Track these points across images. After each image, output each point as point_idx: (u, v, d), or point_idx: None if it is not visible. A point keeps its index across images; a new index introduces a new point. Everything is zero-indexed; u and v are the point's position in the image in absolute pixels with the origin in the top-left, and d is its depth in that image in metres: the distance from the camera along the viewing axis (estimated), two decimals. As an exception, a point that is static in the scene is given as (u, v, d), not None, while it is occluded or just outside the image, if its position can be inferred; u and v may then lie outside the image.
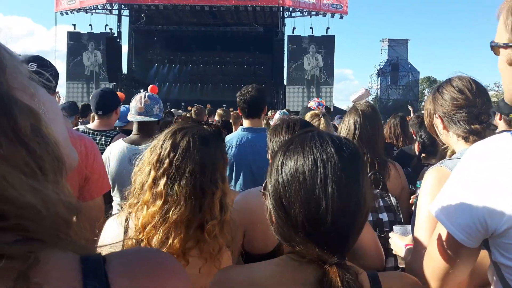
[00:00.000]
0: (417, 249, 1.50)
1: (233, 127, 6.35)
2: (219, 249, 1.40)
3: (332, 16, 27.26)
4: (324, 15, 27.30)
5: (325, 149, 0.99)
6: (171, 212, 1.34)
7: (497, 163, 1.01)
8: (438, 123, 1.85)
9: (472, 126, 1.73)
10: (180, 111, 11.31)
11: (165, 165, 1.37)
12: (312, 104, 6.44)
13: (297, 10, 27.69)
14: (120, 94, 5.41)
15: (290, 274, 1.00)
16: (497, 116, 4.07)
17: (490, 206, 1.00)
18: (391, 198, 2.39)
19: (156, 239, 1.34)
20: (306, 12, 27.65)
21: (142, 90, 4.02)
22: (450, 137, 1.81)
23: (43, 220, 0.52)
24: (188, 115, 8.56)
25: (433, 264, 1.19)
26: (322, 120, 3.36)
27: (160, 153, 1.40)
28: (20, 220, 0.50)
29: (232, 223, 1.48)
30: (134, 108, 3.11)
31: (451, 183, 1.13)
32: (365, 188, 1.01)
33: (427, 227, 1.48)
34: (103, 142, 3.47)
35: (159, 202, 1.35)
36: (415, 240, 1.54)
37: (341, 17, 27.44)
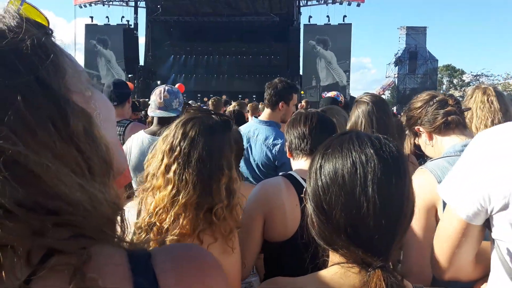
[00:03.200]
0: (407, 248, 1.64)
1: (250, 118, 6.41)
2: (230, 230, 1.50)
3: (349, 4, 26.83)
4: (341, 3, 26.89)
5: (364, 151, 0.96)
6: (180, 196, 1.44)
7: (499, 150, 1.08)
8: (422, 137, 1.94)
9: (445, 109, 1.82)
10: (198, 102, 11.42)
11: (175, 153, 1.48)
12: (329, 95, 6.43)
13: (313, -2, 27.38)
14: (129, 84, 5.63)
15: (337, 282, 0.99)
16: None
17: (491, 187, 1.07)
18: None
19: (168, 221, 1.43)
20: (323, 0, 27.31)
21: (159, 82, 4.12)
22: (437, 143, 1.87)
23: (91, 217, 0.54)
24: (205, 107, 8.67)
25: (441, 244, 1.26)
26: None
27: (172, 142, 1.51)
28: (71, 216, 0.52)
29: (240, 209, 1.58)
30: (154, 103, 3.16)
31: (458, 166, 1.20)
32: (408, 188, 0.98)
33: (414, 229, 1.59)
34: (118, 132, 3.57)
35: (169, 187, 1.45)
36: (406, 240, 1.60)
37: (358, 5, 27.00)
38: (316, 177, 1.01)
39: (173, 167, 1.46)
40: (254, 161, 3.26)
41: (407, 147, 2.07)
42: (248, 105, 6.95)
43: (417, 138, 1.98)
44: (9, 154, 0.48)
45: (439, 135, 1.86)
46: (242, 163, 3.25)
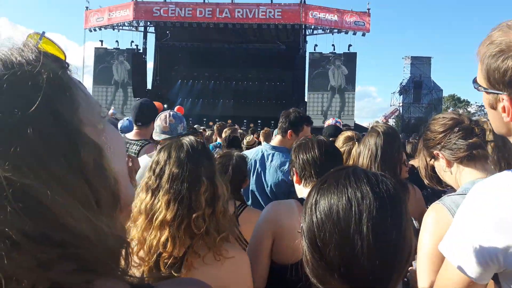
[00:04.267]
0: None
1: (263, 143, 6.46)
2: (214, 240, 1.49)
3: (354, 34, 27.26)
4: (346, 33, 27.33)
5: (360, 187, 0.94)
6: (154, 219, 1.48)
7: (502, 201, 1.04)
8: (439, 164, 1.80)
9: (470, 141, 1.68)
10: (202, 127, 11.49)
11: (150, 182, 1.55)
12: (329, 122, 6.45)
13: (319, 27, 27.86)
14: (158, 104, 5.63)
15: None
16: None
17: (502, 244, 1.02)
18: (414, 221, 2.37)
19: (147, 244, 1.47)
20: (328, 30, 27.77)
21: (165, 106, 4.17)
22: (455, 173, 1.75)
23: (96, 250, 0.54)
24: (209, 131, 8.71)
25: None
26: (356, 145, 3.30)
27: (149, 175, 1.58)
28: (76, 249, 0.52)
29: (230, 216, 1.61)
30: (159, 127, 3.21)
31: (460, 222, 1.15)
32: (405, 227, 0.94)
33: (427, 268, 1.51)
34: (133, 151, 3.64)
35: (143, 216, 1.51)
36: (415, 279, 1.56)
37: (363, 35, 27.43)
38: (311, 213, 0.98)
39: (147, 198, 1.52)
40: (267, 186, 3.31)
41: (422, 170, 1.96)
42: (262, 131, 7.01)
43: (433, 160, 1.85)
44: (18, 185, 0.49)
45: (460, 164, 1.74)
46: (254, 187, 3.28)
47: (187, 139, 1.63)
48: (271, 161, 3.37)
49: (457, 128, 1.72)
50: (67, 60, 0.66)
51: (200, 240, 1.47)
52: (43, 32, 0.78)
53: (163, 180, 1.51)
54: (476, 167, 1.71)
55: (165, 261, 1.45)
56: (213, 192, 1.52)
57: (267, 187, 3.30)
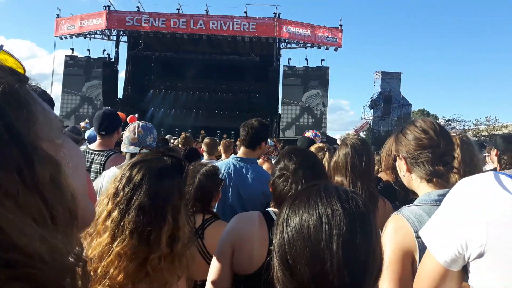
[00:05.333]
0: None
1: (224, 155, 6.37)
2: (166, 283, 1.42)
3: (327, 49, 27.89)
4: (319, 47, 27.92)
5: (330, 204, 0.95)
6: (115, 244, 1.38)
7: (475, 200, 1.15)
8: (401, 165, 1.82)
9: (436, 168, 1.70)
10: (174, 137, 11.35)
11: (118, 198, 1.43)
12: (309, 134, 6.52)
13: (292, 41, 28.33)
14: (121, 114, 5.52)
15: None
16: (493, 152, 4.13)
17: (467, 236, 1.14)
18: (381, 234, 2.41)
19: (100, 271, 1.37)
20: (302, 44, 28.28)
21: (136, 115, 4.12)
22: (412, 180, 1.79)
23: (49, 270, 0.52)
24: (175, 142, 8.53)
25: (421, 285, 1.31)
26: (327, 154, 3.42)
27: (118, 186, 1.46)
28: (28, 269, 0.50)
29: (190, 257, 1.51)
30: (127, 139, 3.10)
31: (438, 214, 1.27)
32: (375, 243, 0.96)
33: (388, 276, 1.54)
34: (99, 161, 3.55)
35: (106, 234, 1.40)
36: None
37: (336, 50, 28.07)
38: (282, 230, 0.98)
39: (114, 214, 1.42)
40: (244, 198, 3.25)
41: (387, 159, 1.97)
42: (222, 142, 6.91)
43: (396, 156, 1.85)
44: None
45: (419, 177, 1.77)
46: (233, 202, 3.25)
47: (168, 163, 1.52)
48: (247, 174, 3.33)
49: (428, 151, 1.72)
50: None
51: (147, 279, 1.41)
52: (1, 45, 0.76)
53: (132, 205, 1.41)
54: (433, 183, 1.75)
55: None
56: (174, 232, 1.44)
57: (244, 199, 3.25)
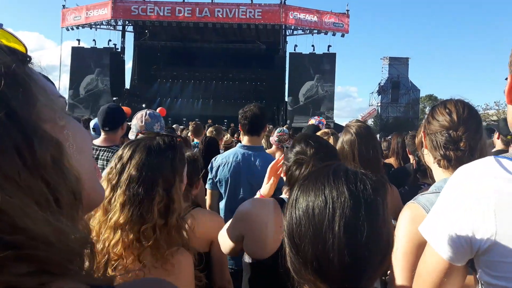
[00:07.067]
0: (393, 286, 1.55)
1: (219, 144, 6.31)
2: (162, 254, 1.46)
3: (334, 35, 27.60)
4: (326, 33, 27.64)
5: (336, 186, 0.96)
6: (109, 218, 1.45)
7: (479, 186, 1.08)
8: (427, 141, 1.80)
9: (447, 152, 1.67)
10: (181, 126, 11.36)
11: (110, 175, 1.51)
12: (313, 121, 6.47)
13: (299, 28, 28.07)
14: (126, 109, 5.46)
15: None
16: (496, 135, 4.09)
17: (473, 226, 1.07)
18: (392, 220, 2.38)
19: (100, 245, 1.43)
20: (308, 30, 28.02)
21: (144, 106, 4.08)
22: (430, 160, 1.77)
23: (54, 252, 0.52)
24: (184, 133, 8.56)
25: (423, 284, 1.23)
26: (332, 138, 3.42)
27: (111, 166, 1.55)
28: (32, 251, 0.50)
29: (189, 230, 1.57)
30: (135, 126, 3.15)
31: (439, 205, 1.19)
32: (381, 225, 0.96)
33: (404, 266, 1.53)
34: (106, 158, 3.48)
35: (101, 211, 1.48)
36: (393, 277, 1.56)
37: (343, 35, 27.77)
38: (291, 209, 1.01)
39: (107, 190, 1.49)
40: (253, 187, 3.19)
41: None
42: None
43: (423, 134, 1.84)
44: None
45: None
46: (242, 192, 3.24)
47: (159, 140, 1.58)
48: (255, 161, 3.31)
49: (446, 133, 1.69)
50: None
51: (147, 250, 1.44)
52: (1, 24, 0.74)
53: (122, 179, 1.48)
54: (450, 170, 1.70)
55: (112, 262, 1.42)
56: (168, 204, 1.48)
57: (254, 189, 3.21)
